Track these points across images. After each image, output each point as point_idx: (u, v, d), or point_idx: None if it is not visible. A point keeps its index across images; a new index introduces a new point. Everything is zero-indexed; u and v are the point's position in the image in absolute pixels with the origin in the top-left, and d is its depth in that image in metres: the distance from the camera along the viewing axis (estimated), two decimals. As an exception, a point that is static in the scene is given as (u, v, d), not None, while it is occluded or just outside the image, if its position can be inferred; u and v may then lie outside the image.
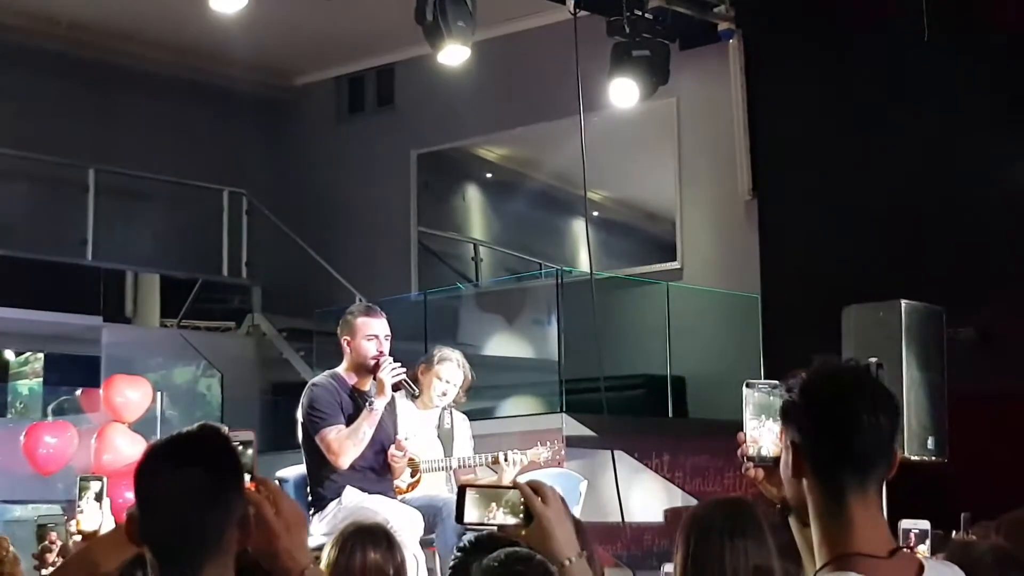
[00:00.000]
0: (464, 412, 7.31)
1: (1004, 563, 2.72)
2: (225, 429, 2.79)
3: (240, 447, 2.73)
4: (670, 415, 11.46)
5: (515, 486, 2.69)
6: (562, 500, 2.70)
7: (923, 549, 3.17)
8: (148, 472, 2.69)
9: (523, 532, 2.65)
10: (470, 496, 2.70)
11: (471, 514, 2.70)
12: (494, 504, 2.69)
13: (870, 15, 10.31)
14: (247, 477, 2.72)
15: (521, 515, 2.64)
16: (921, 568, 2.46)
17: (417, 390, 6.69)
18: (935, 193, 9.91)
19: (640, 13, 10.80)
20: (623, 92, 10.82)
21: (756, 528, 3.22)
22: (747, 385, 4.14)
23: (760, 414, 3.99)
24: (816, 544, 2.48)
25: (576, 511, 6.72)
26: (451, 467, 6.79)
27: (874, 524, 2.45)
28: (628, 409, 11.15)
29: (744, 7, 11.51)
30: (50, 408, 10.53)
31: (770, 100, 11.78)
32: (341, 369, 6.48)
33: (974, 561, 2.69)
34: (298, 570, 2.71)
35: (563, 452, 7.45)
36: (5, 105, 13.04)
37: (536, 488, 2.66)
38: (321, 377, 6.60)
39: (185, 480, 2.63)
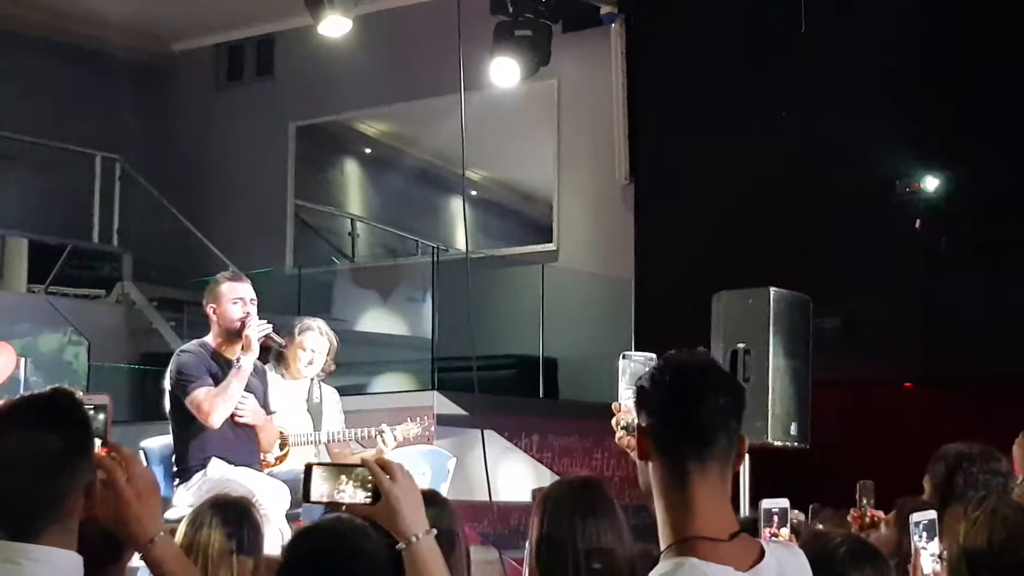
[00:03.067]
0: (335, 387, 7.28)
1: (857, 555, 2.75)
2: (79, 393, 2.74)
3: (93, 411, 2.69)
4: (541, 396, 11.54)
5: (363, 463, 2.68)
6: (407, 477, 2.71)
7: (784, 531, 3.18)
8: None
9: (371, 509, 2.66)
10: (316, 473, 2.68)
11: (318, 491, 2.68)
12: (343, 479, 2.68)
13: (750, 6, 10.42)
14: (98, 442, 2.67)
15: (369, 492, 2.64)
16: (762, 552, 2.49)
17: (285, 344, 6.62)
18: (808, 185, 10.10)
19: (525, -8, 10.83)
20: (504, 71, 10.85)
21: (607, 507, 3.23)
22: (623, 356, 4.20)
23: (633, 381, 4.02)
24: (660, 526, 2.50)
25: (444, 489, 6.76)
26: (320, 441, 6.76)
27: (716, 506, 2.46)
28: (500, 389, 11.18)
29: (626, -7, 11.62)
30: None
31: (650, 86, 11.90)
32: (209, 338, 6.40)
33: (828, 552, 2.72)
34: (147, 537, 2.70)
35: (433, 429, 7.46)
36: None
37: (384, 465, 2.65)
38: (189, 344, 6.55)
39: (31, 443, 2.59)
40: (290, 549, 2.62)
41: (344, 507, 2.70)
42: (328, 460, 6.22)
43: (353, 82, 13.34)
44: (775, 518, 3.28)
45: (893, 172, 10.41)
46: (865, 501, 3.94)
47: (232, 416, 6.15)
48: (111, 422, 2.79)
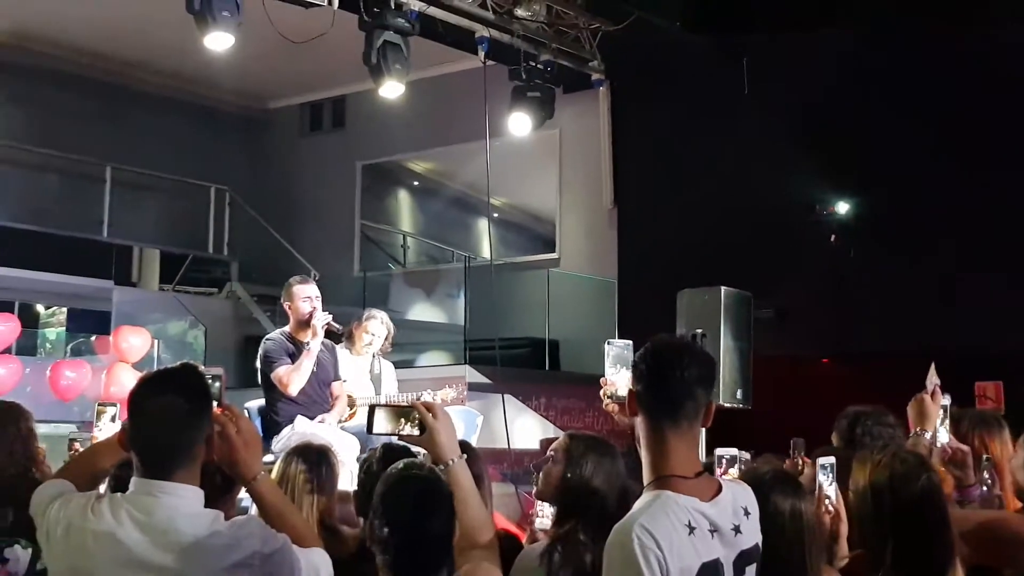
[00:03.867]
0: (391, 361, 7.25)
1: (778, 479, 2.75)
2: (201, 367, 2.77)
3: (211, 380, 2.72)
4: (547, 369, 11.53)
5: (412, 405, 2.71)
6: (447, 417, 2.74)
7: (733, 472, 3.17)
8: (138, 396, 2.67)
9: (418, 439, 2.68)
10: (379, 413, 2.74)
11: (379, 426, 2.72)
12: (400, 419, 2.71)
13: (703, 75, 10.38)
14: (215, 404, 2.70)
15: (417, 427, 2.65)
16: (720, 487, 2.49)
17: (342, 330, 6.65)
18: (750, 209, 10.02)
19: (534, 64, 10.83)
20: (519, 123, 10.82)
21: (611, 453, 3.22)
22: (608, 343, 4.20)
23: (616, 364, 4.03)
24: (644, 466, 2.50)
25: (473, 440, 6.73)
26: (380, 403, 6.74)
27: (685, 452, 2.46)
28: (515, 363, 11.18)
29: (611, 63, 11.55)
30: (70, 349, 10.32)
31: (629, 134, 11.89)
32: (287, 328, 6.45)
33: (758, 478, 2.72)
34: (251, 476, 2.73)
35: (465, 394, 7.45)
36: (41, 114, 12.96)
37: (429, 407, 2.71)
38: (272, 333, 6.59)
39: (166, 404, 2.62)
40: (394, 484, 2.61)
41: (399, 437, 2.75)
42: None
43: (405, 131, 13.27)
44: (725, 462, 3.27)
45: (813, 199, 10.38)
46: (797, 453, 3.90)
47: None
48: (224, 388, 2.82)
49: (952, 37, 9.22)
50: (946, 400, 3.66)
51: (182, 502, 2.56)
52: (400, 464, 2.66)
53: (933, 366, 3.77)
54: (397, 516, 2.49)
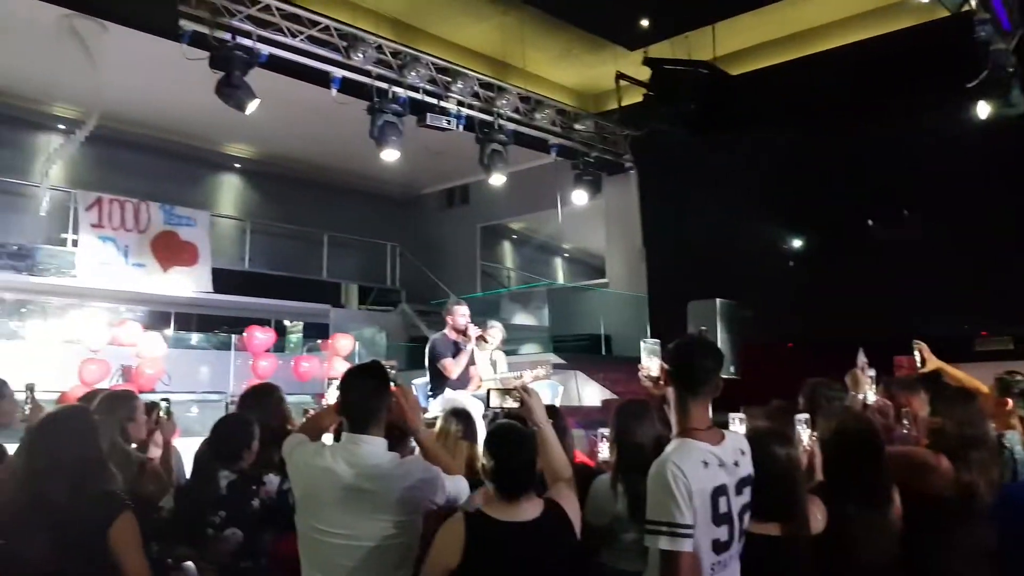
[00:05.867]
0: (504, 351, 7.19)
1: (771, 434, 2.64)
2: (383, 361, 2.79)
3: (389, 369, 2.73)
4: (603, 354, 11.36)
5: (515, 388, 2.68)
6: (537, 395, 2.69)
7: (741, 427, 3.06)
8: (346, 380, 2.69)
9: (519, 410, 2.64)
10: (492, 393, 2.69)
11: (493, 402, 2.69)
12: (506, 396, 2.67)
13: (700, 161, 10.17)
14: (392, 384, 2.70)
15: (518, 402, 2.61)
16: (723, 436, 2.41)
17: (487, 340, 6.59)
18: (733, 246, 9.71)
19: (587, 159, 10.79)
20: (578, 197, 10.80)
21: (650, 414, 3.14)
22: (643, 341, 4.08)
23: (649, 355, 3.92)
24: (672, 422, 2.45)
25: (556, 402, 6.65)
26: (497, 378, 6.69)
27: (701, 413, 2.41)
28: (582, 351, 11.12)
29: (638, 156, 11.49)
30: (305, 348, 10.59)
31: (650, 201, 11.72)
32: (446, 331, 6.38)
33: (760, 434, 2.62)
34: (416, 430, 2.75)
35: (550, 372, 7.34)
36: (283, 202, 13.11)
37: (525, 388, 2.66)
38: (437, 335, 6.51)
39: (363, 384, 2.65)
40: (495, 431, 2.57)
41: (505, 409, 2.71)
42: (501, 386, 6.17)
43: (507, 204, 13.27)
44: (738, 421, 3.17)
45: (779, 236, 10.12)
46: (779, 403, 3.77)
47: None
48: (398, 372, 2.82)
49: (863, 128, 8.91)
50: (871, 372, 3.54)
51: (374, 447, 2.57)
52: (505, 423, 2.63)
53: (861, 349, 3.66)
54: (497, 450, 2.42)
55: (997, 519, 2.74)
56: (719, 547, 2.30)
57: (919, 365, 3.96)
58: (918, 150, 8.50)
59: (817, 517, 2.53)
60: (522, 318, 13.11)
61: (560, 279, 14.05)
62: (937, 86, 7.48)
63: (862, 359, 3.60)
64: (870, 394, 3.49)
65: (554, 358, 9.67)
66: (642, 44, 9.45)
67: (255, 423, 3.24)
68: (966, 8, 6.00)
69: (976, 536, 2.68)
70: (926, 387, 3.44)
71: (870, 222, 9.21)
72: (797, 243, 10.20)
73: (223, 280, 10.90)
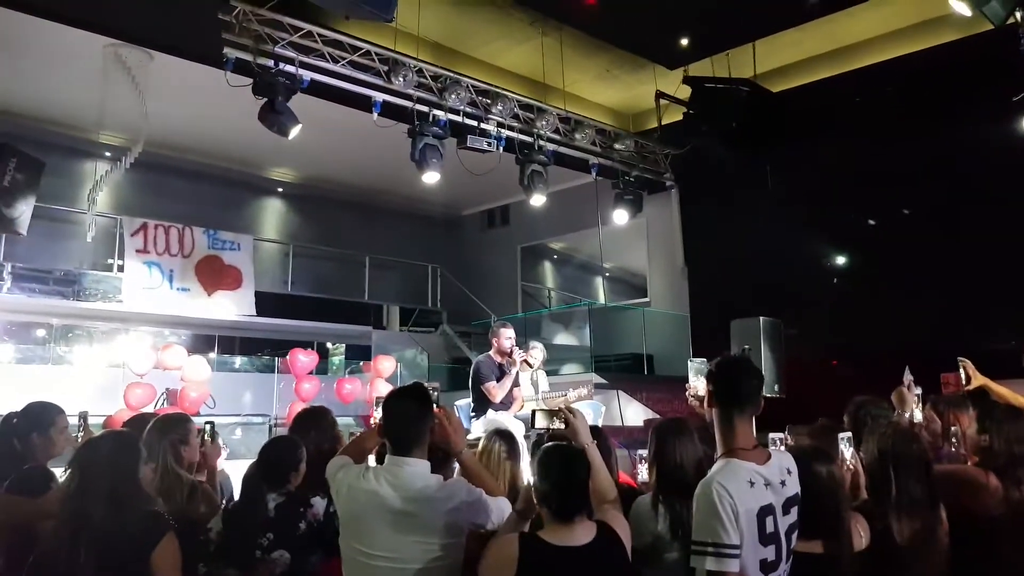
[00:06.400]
0: (545, 371, 7.21)
1: (816, 452, 2.64)
2: (425, 383, 2.82)
3: (432, 391, 2.76)
4: (645, 373, 11.29)
5: (560, 409, 2.70)
6: (582, 416, 2.70)
7: (781, 446, 3.06)
8: (388, 402, 2.71)
9: (564, 431, 2.66)
10: (538, 414, 2.72)
11: (538, 423, 2.72)
12: (552, 417, 2.70)
13: (738, 177, 10.16)
14: (435, 406, 2.72)
15: (564, 423, 2.65)
16: (769, 455, 2.42)
17: (530, 364, 6.57)
18: (776, 263, 9.63)
19: (628, 177, 10.81)
20: (619, 216, 10.81)
21: (688, 432, 3.15)
22: (690, 360, 4.13)
23: (696, 374, 3.95)
24: (717, 442, 2.46)
25: (599, 422, 6.63)
26: (539, 398, 6.67)
27: (747, 433, 2.42)
28: (625, 370, 11.03)
29: (678, 174, 11.48)
30: (347, 370, 10.65)
31: (691, 219, 11.72)
32: (491, 352, 6.38)
33: (800, 450, 2.63)
34: (458, 451, 2.74)
35: (592, 391, 7.35)
36: (326, 224, 13.20)
37: (571, 410, 2.68)
38: (482, 356, 6.48)
39: (405, 406, 2.66)
40: (547, 453, 2.54)
41: (550, 430, 2.74)
42: (545, 407, 6.16)
43: (547, 224, 13.31)
44: (778, 441, 3.16)
45: (822, 253, 9.99)
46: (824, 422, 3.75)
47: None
48: (440, 394, 2.86)
49: (906, 143, 8.80)
50: (918, 390, 3.52)
51: (417, 470, 2.58)
52: (552, 444, 2.65)
53: (908, 367, 3.63)
54: (550, 472, 2.39)
55: None
56: (767, 567, 2.30)
57: (964, 382, 3.92)
58: (964, 164, 8.39)
59: (860, 535, 2.52)
60: (563, 338, 13.08)
61: (601, 298, 13.99)
62: (983, 99, 7.40)
63: (908, 377, 3.59)
64: (917, 412, 3.47)
65: (596, 378, 9.64)
66: (682, 63, 9.51)
67: (302, 445, 3.27)
68: (1011, 21, 5.93)
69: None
70: (974, 404, 3.40)
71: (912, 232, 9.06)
72: (840, 260, 10.08)
73: (266, 303, 11.03)
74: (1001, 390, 3.83)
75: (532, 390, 6.72)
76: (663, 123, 10.15)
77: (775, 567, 2.32)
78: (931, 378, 4.24)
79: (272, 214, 13.61)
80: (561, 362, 11.39)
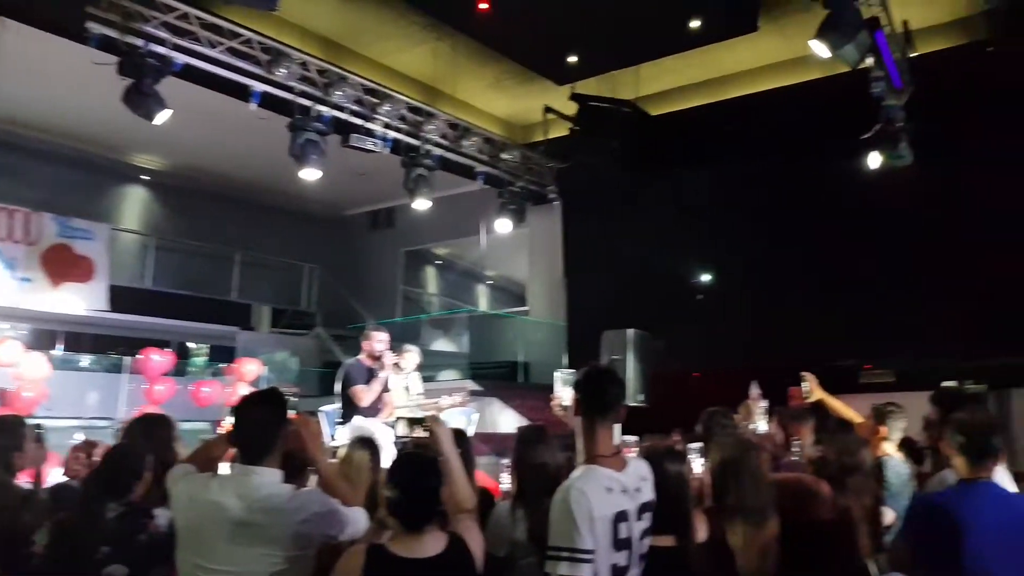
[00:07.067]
0: (421, 377, 7.05)
1: (669, 452, 2.76)
2: (283, 387, 2.74)
3: (290, 396, 2.68)
4: (520, 381, 11.44)
5: (425, 419, 2.68)
6: (446, 424, 2.69)
7: (635, 451, 3.18)
8: (239, 408, 2.62)
9: (426, 440, 2.65)
10: (400, 422, 2.70)
11: (400, 431, 2.70)
12: (414, 426, 2.69)
13: (616, 194, 10.54)
14: (292, 412, 2.63)
15: (427, 432, 2.64)
16: (626, 462, 2.50)
17: (402, 368, 6.47)
18: (646, 278, 10.03)
19: (512, 188, 10.95)
20: (503, 225, 10.92)
21: (549, 440, 3.20)
22: (556, 372, 4.23)
23: (563, 384, 4.05)
24: (578, 449, 2.50)
25: (471, 429, 6.62)
26: (414, 405, 6.48)
27: (607, 441, 2.47)
28: (501, 378, 11.16)
29: (562, 187, 11.75)
30: (209, 372, 10.19)
31: (572, 232, 11.98)
32: (361, 356, 6.22)
33: (654, 451, 2.73)
34: (315, 460, 2.67)
35: (468, 398, 7.33)
36: (195, 218, 12.68)
37: (434, 419, 2.66)
38: (351, 360, 6.34)
39: (257, 412, 2.58)
40: (398, 461, 2.54)
41: (413, 439, 2.70)
42: (420, 413, 6.08)
43: (430, 228, 13.24)
44: (628, 443, 3.28)
45: (690, 271, 10.52)
46: (677, 438, 3.94)
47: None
48: (298, 399, 2.78)
49: (770, 171, 9.45)
50: (764, 403, 3.76)
51: (267, 479, 2.49)
52: (410, 449, 2.62)
53: (755, 382, 3.89)
54: (399, 480, 2.37)
55: (909, 527, 2.94)
56: (618, 572, 2.36)
57: (806, 396, 4.24)
58: (821, 195, 9.11)
59: (699, 529, 2.66)
60: (442, 344, 13.05)
61: (482, 306, 14.12)
62: (839, 134, 8.05)
63: (755, 391, 3.86)
64: (761, 423, 3.73)
65: (472, 385, 9.69)
66: (570, 80, 9.76)
67: (148, 454, 3.11)
68: (863, 65, 6.52)
69: (850, 556, 2.89)
70: (814, 417, 3.69)
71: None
72: (706, 277, 10.66)
73: (122, 298, 10.44)
74: (836, 404, 4.18)
75: (405, 396, 6.61)
76: (550, 137, 10.38)
77: (626, 572, 2.39)
78: (782, 391, 4.57)
79: (134, 203, 12.84)
80: (438, 368, 11.35)
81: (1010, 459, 3.45)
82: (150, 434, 3.38)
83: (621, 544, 2.36)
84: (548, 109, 9.76)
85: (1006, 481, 3.12)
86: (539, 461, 3.08)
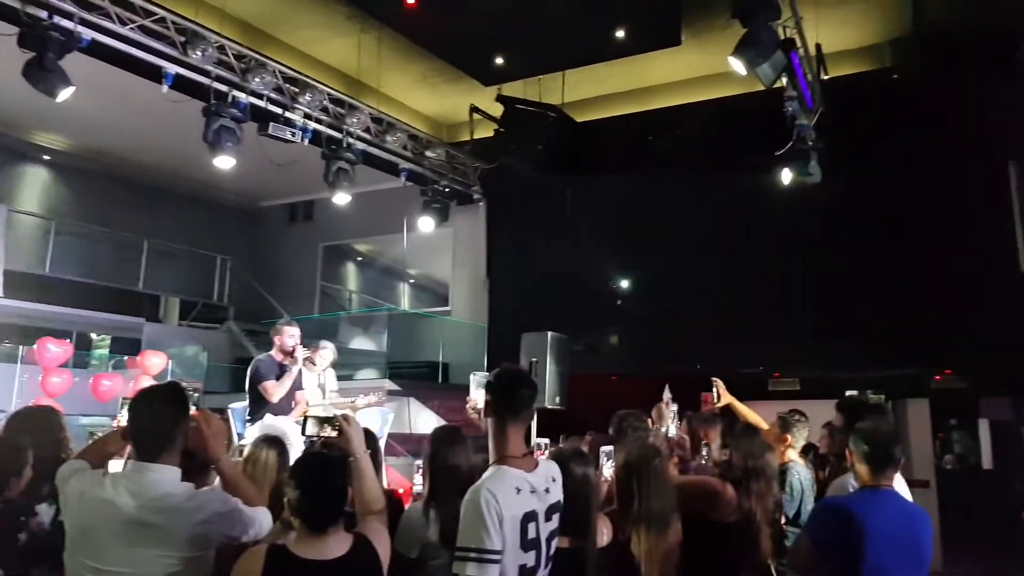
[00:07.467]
0: (336, 375, 6.96)
1: (575, 455, 2.79)
2: (184, 382, 2.64)
3: (192, 392, 2.60)
4: (440, 382, 11.39)
5: (335, 417, 2.63)
6: (357, 424, 2.64)
7: (546, 454, 3.19)
8: (135, 403, 2.54)
9: (336, 439, 2.59)
10: (310, 420, 2.63)
11: (309, 430, 2.63)
12: (324, 424, 2.62)
13: (541, 198, 10.63)
14: (193, 407, 2.57)
15: (337, 431, 2.59)
16: (537, 463, 2.51)
17: (312, 358, 6.34)
18: (568, 282, 10.13)
19: (437, 186, 10.89)
20: (426, 223, 10.86)
21: (462, 441, 3.20)
22: (472, 374, 4.23)
23: (477, 386, 4.05)
24: (490, 450, 2.51)
25: (386, 430, 6.55)
26: (327, 403, 6.44)
27: (518, 441, 2.48)
28: (419, 378, 11.10)
29: (487, 188, 11.75)
30: (110, 364, 9.71)
31: (496, 233, 12.00)
32: (273, 352, 6.12)
33: (561, 454, 2.76)
34: (217, 458, 2.60)
35: (385, 398, 7.25)
36: (101, 202, 12.16)
37: (345, 418, 2.61)
38: (262, 355, 6.22)
39: (154, 407, 2.49)
40: (302, 459, 2.50)
41: (322, 438, 2.65)
42: (333, 412, 5.98)
43: (352, 224, 13.04)
44: (542, 445, 3.30)
45: (610, 276, 10.70)
46: (589, 439, 4.00)
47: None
48: (201, 395, 2.69)
49: (690, 181, 9.74)
50: (675, 407, 3.87)
51: (164, 477, 2.42)
52: (318, 449, 2.57)
53: (667, 386, 3.99)
54: (303, 480, 2.33)
55: (814, 529, 3.04)
56: (526, 572, 2.38)
57: (715, 400, 4.39)
58: (737, 207, 9.44)
59: (603, 532, 2.70)
60: (360, 342, 12.87)
61: (404, 305, 13.97)
62: (755, 149, 8.37)
63: (667, 395, 3.96)
64: (672, 427, 3.83)
65: (390, 384, 9.58)
66: (497, 81, 9.78)
67: (27, 448, 2.99)
68: (779, 84, 6.79)
69: (751, 556, 3.01)
70: (722, 422, 3.82)
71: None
72: (625, 284, 10.85)
73: (17, 284, 9.99)
74: (744, 409, 4.34)
75: (319, 394, 6.50)
76: (475, 137, 10.36)
77: (534, 572, 2.41)
78: (695, 396, 4.70)
79: (34, 184, 12.15)
80: (356, 367, 11.18)
81: (904, 466, 3.66)
82: (32, 428, 3.22)
83: (529, 544, 2.38)
84: (474, 109, 9.75)
85: (903, 488, 3.30)
86: (452, 463, 3.08)
